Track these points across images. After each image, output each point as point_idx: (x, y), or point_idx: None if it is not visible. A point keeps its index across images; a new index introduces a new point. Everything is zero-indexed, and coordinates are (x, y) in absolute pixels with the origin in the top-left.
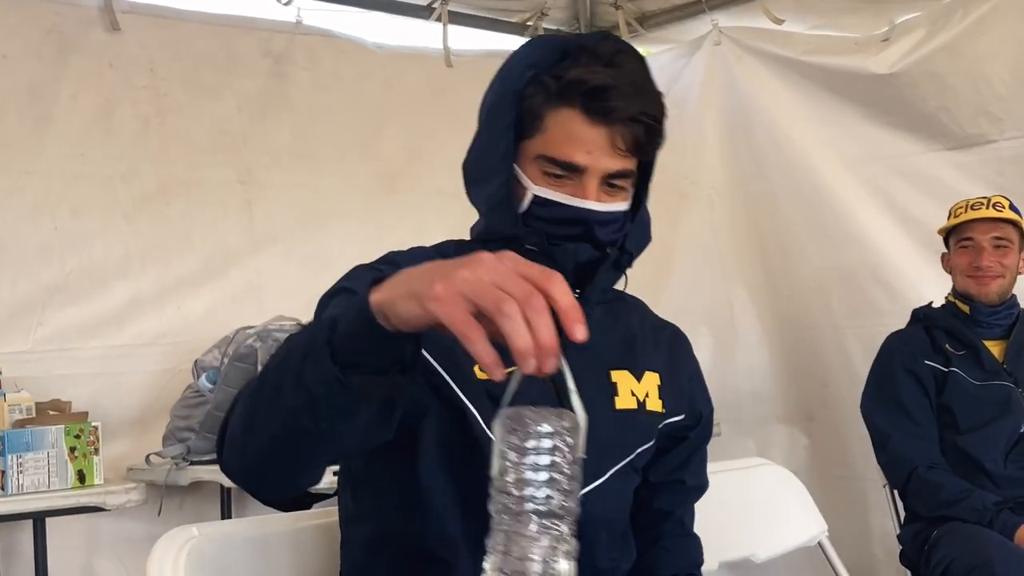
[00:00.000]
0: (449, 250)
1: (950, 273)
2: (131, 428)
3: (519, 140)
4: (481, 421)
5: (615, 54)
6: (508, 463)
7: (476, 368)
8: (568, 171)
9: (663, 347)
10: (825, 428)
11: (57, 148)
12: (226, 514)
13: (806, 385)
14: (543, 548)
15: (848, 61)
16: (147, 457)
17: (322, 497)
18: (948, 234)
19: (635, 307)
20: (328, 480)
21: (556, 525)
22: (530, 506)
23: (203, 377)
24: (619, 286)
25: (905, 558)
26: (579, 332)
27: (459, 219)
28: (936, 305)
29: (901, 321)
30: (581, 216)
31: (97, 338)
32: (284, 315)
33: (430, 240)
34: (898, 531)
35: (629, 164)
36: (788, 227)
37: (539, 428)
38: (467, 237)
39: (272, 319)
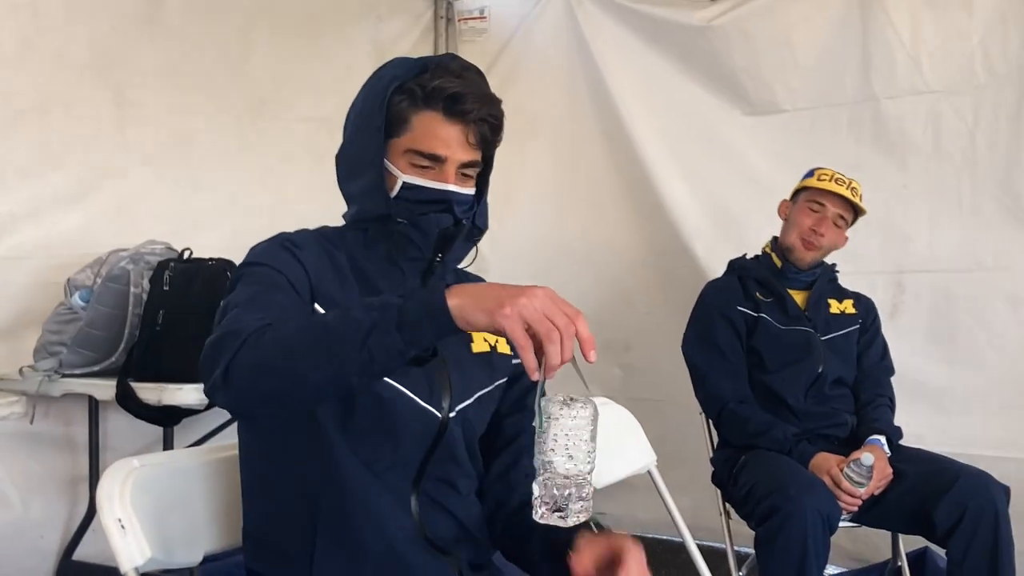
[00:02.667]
0: (328, 232)
1: (784, 221)
2: (2, 336)
3: (387, 140)
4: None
5: (463, 70)
6: (548, 434)
7: None
8: (432, 161)
9: None
10: (642, 355)
11: None
12: (94, 421)
13: (623, 316)
14: (575, 484)
15: (673, 13)
16: (20, 369)
17: (192, 412)
18: (800, 190)
19: (478, 280)
20: (197, 397)
21: (581, 476)
22: (564, 466)
23: (76, 295)
24: (470, 258)
25: (716, 479)
26: (593, 356)
27: (324, 146)
28: (750, 256)
29: (691, 265)
30: (444, 196)
31: None
32: (155, 239)
33: (297, 163)
34: (711, 455)
35: (477, 156)
36: (611, 168)
37: (568, 411)
38: (330, 175)
39: (144, 243)
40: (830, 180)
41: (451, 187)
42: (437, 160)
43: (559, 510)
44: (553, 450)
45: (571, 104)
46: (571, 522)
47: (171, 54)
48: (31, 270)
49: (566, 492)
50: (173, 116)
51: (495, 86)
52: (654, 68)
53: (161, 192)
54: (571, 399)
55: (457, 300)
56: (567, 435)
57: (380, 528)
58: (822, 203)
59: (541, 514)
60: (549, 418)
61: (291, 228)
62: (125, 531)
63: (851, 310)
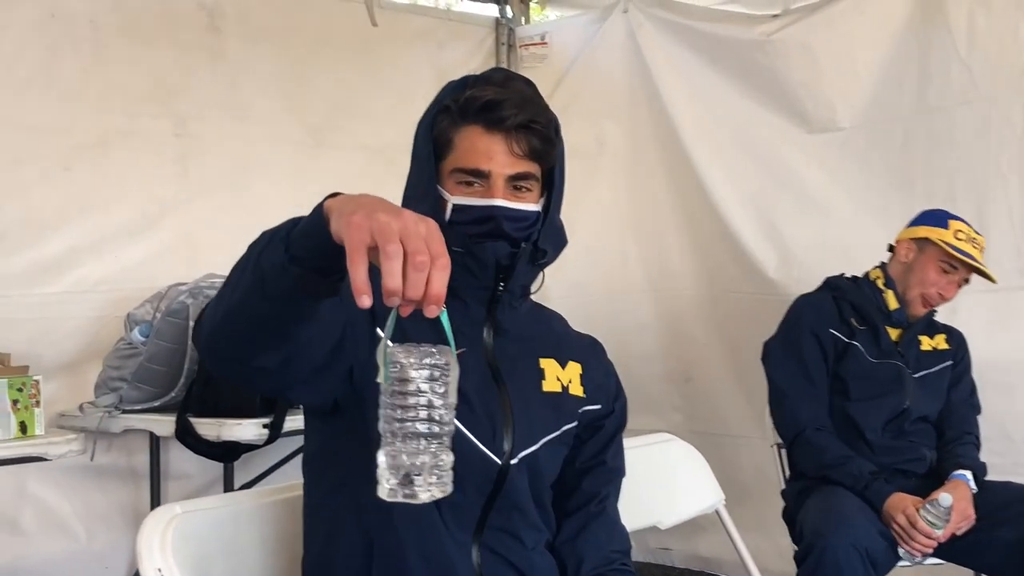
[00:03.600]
0: None
1: (902, 263)
2: (64, 372)
3: (438, 164)
4: None
5: (505, 79)
6: (394, 389)
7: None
8: (476, 177)
9: (584, 347)
10: (702, 387)
11: None
12: (155, 456)
13: (683, 345)
14: (429, 452)
15: (733, 29)
16: (81, 406)
17: (251, 448)
18: (929, 239)
19: (556, 316)
20: (256, 432)
21: (436, 440)
22: (413, 427)
23: (136, 330)
24: (536, 284)
25: (787, 514)
26: (433, 312)
27: (384, 174)
28: (848, 275)
29: (755, 293)
30: (491, 213)
31: (37, 285)
32: (215, 272)
33: (356, 190)
34: (783, 487)
35: (529, 168)
36: (672, 193)
37: (420, 360)
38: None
39: (203, 276)
40: (967, 242)
41: (498, 202)
42: (481, 175)
43: (409, 483)
44: (402, 407)
45: (632, 128)
46: (424, 498)
47: (231, 84)
48: (94, 304)
49: (418, 460)
50: (233, 146)
51: (557, 111)
52: (714, 87)
53: (222, 223)
54: (421, 346)
55: (336, 203)
56: (419, 390)
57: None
58: (956, 267)
59: (389, 490)
60: (397, 368)
61: None
62: None
63: (943, 345)
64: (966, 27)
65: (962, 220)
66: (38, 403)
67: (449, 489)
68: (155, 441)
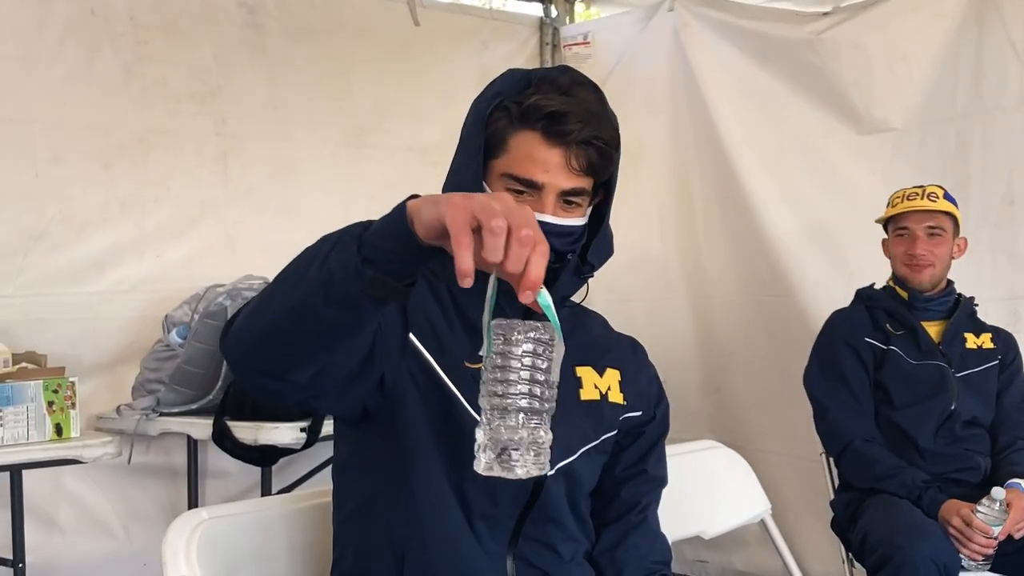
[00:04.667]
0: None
1: (890, 259)
2: (103, 372)
3: (487, 161)
4: (465, 402)
5: (572, 84)
6: (496, 363)
7: (464, 362)
8: (528, 188)
9: (623, 351)
10: (731, 396)
11: (39, 94)
12: (192, 458)
13: (715, 354)
14: (528, 428)
15: (781, 28)
16: (118, 408)
17: (288, 452)
18: (887, 222)
19: (596, 318)
20: (294, 436)
21: (537, 416)
22: (514, 402)
23: (173, 332)
24: (580, 295)
25: (836, 525)
26: (528, 297)
27: (426, 174)
28: (879, 286)
29: (784, 299)
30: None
31: (78, 284)
32: (253, 273)
33: (398, 190)
34: (831, 498)
35: (583, 183)
36: (713, 195)
37: (525, 335)
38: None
39: (241, 278)
40: (902, 200)
41: (548, 218)
42: (534, 187)
43: (507, 459)
44: (503, 382)
45: (675, 128)
46: (519, 474)
47: (271, 83)
48: (135, 305)
49: (516, 436)
50: (274, 146)
51: None
52: (760, 87)
53: (263, 223)
54: (526, 322)
55: (421, 200)
56: (521, 365)
57: None
58: (905, 226)
59: (485, 464)
60: (500, 340)
61: None
62: None
63: (989, 345)
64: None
65: (902, 189)
66: (74, 405)
67: (547, 469)
68: (192, 444)
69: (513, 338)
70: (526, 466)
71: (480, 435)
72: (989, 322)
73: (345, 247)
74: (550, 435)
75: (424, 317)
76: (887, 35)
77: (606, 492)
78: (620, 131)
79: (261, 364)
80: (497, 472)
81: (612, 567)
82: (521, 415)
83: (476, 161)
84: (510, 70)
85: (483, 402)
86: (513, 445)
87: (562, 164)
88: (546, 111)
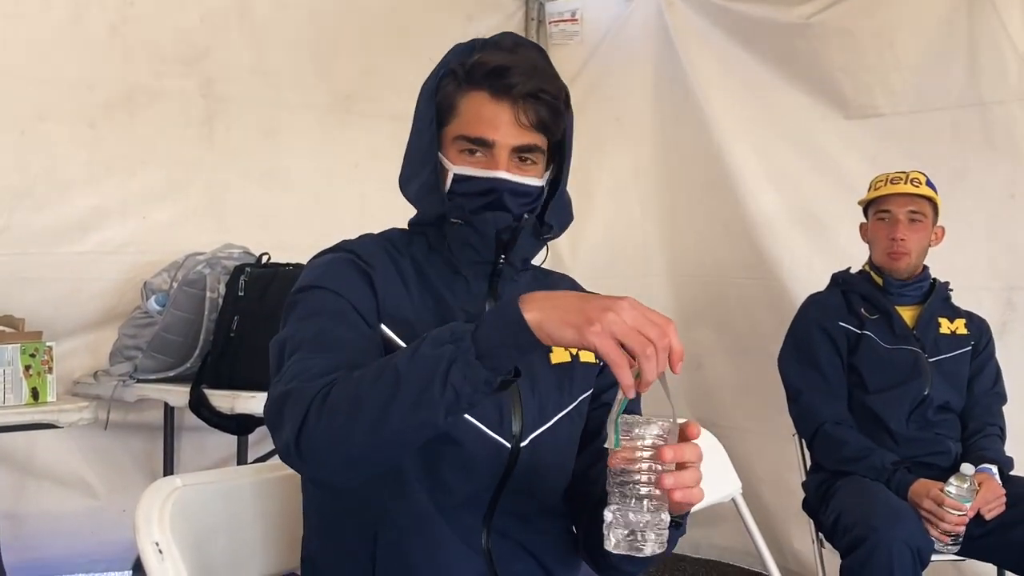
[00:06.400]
0: (394, 236)
1: (868, 243)
2: (86, 332)
3: (441, 129)
4: None
5: (515, 45)
6: (623, 456)
7: None
8: (480, 146)
9: None
10: (712, 375)
11: (25, 52)
12: (169, 426)
13: (696, 332)
14: (651, 512)
15: (770, 11)
16: (95, 374)
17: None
18: (867, 206)
19: (564, 280)
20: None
21: (658, 500)
22: (636, 490)
23: (152, 299)
24: (539, 257)
25: (807, 505)
26: (679, 368)
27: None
28: (854, 271)
29: (767, 281)
30: (492, 185)
31: (62, 244)
32: (233, 243)
33: (384, 160)
34: (803, 479)
35: (536, 140)
36: (695, 175)
37: (647, 431)
38: None
39: (221, 246)
40: (885, 184)
41: (501, 174)
42: (485, 144)
43: (635, 539)
44: (629, 472)
45: (659, 108)
46: (647, 552)
47: (259, 48)
48: (121, 267)
49: (641, 519)
50: (260, 111)
51: (586, 88)
52: (746, 69)
53: (247, 188)
54: (652, 418)
55: (536, 314)
56: (644, 457)
57: (443, 570)
58: (887, 209)
59: (615, 543)
60: (631, 438)
61: (377, 226)
62: (162, 556)
63: (963, 331)
64: (1021, 19)
65: (885, 173)
66: (51, 369)
67: (667, 546)
68: (169, 411)
69: (636, 432)
70: (651, 545)
71: (608, 515)
72: (981, 312)
73: (467, 364)
74: (668, 516)
75: (394, 303)
76: (876, 20)
77: (582, 448)
78: (603, 108)
79: (344, 476)
80: (624, 550)
81: (585, 484)
82: (644, 500)
83: (430, 131)
84: (456, 44)
85: (609, 487)
86: (640, 527)
87: (511, 120)
88: (490, 66)
